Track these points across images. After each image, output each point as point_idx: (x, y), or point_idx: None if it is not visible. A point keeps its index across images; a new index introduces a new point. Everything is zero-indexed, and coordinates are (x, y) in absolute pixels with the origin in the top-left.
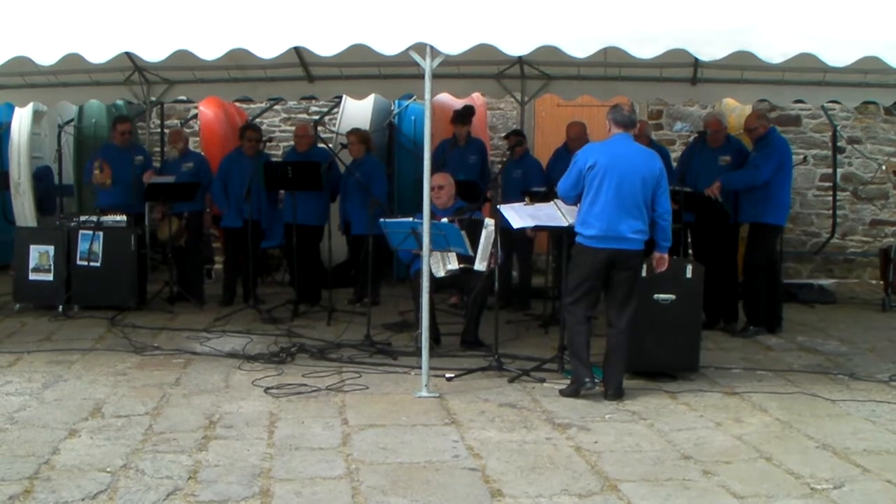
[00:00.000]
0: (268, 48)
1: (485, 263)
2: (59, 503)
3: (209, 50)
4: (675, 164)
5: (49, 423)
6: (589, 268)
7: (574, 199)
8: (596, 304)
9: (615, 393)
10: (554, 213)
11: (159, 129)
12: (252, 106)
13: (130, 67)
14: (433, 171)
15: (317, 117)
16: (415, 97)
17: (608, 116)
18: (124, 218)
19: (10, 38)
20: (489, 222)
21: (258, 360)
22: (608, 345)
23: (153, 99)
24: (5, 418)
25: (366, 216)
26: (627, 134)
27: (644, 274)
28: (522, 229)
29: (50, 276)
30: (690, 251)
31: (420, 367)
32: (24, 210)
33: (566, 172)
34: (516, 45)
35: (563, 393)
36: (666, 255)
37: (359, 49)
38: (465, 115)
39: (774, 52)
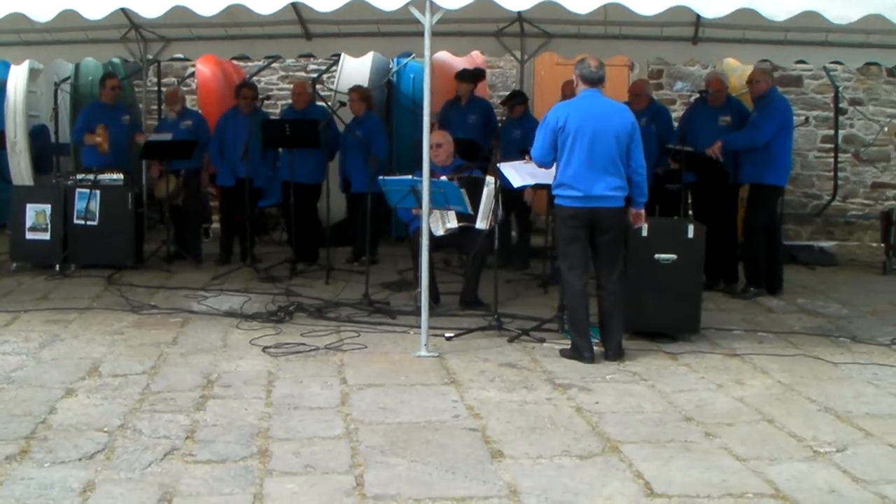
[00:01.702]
0: (266, 4)
1: (486, 222)
2: (55, 463)
3: (207, 6)
4: (675, 124)
5: (46, 382)
6: (572, 229)
7: (551, 163)
8: (588, 266)
9: (615, 353)
10: (553, 172)
11: (156, 88)
12: (249, 64)
13: (127, 25)
14: (435, 129)
15: (315, 75)
16: (414, 55)
17: (575, 72)
18: (121, 176)
19: None
20: (490, 180)
21: (256, 319)
22: (601, 307)
23: (150, 57)
24: (2, 378)
25: (366, 174)
26: (596, 90)
27: (645, 234)
28: (522, 188)
29: (47, 235)
30: (690, 211)
31: (419, 327)
32: (21, 169)
33: (536, 138)
34: (516, 0)
35: (563, 354)
36: (643, 212)
37: (357, 5)
38: (471, 74)
39: (778, 9)
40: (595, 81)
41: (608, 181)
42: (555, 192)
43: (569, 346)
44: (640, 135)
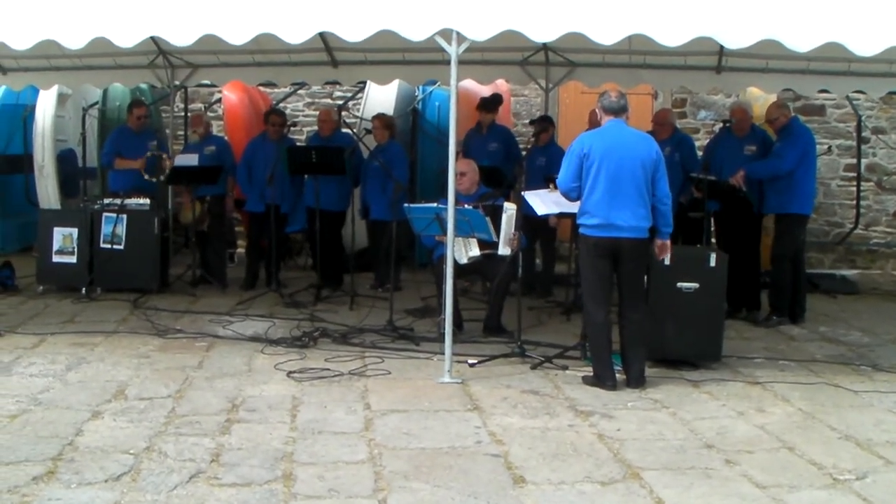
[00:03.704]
0: (295, 33)
1: (508, 249)
2: (82, 484)
3: (236, 35)
4: (699, 153)
5: (72, 404)
6: (594, 258)
7: (577, 191)
8: (610, 295)
9: (636, 381)
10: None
11: (183, 114)
12: (276, 90)
13: (155, 51)
14: (458, 157)
15: (341, 102)
16: (439, 83)
17: (597, 105)
18: (148, 201)
19: (38, 22)
20: (509, 206)
21: (281, 344)
22: (623, 335)
23: (177, 83)
24: (29, 399)
25: (385, 201)
26: (619, 119)
27: (668, 262)
28: (546, 216)
29: (73, 259)
30: (713, 240)
31: (443, 353)
32: (48, 192)
33: (562, 168)
34: (542, 31)
35: (585, 381)
36: (668, 242)
37: (384, 34)
38: (491, 102)
39: (802, 40)
40: (617, 111)
41: (632, 211)
42: (579, 220)
43: (591, 374)
44: (664, 164)
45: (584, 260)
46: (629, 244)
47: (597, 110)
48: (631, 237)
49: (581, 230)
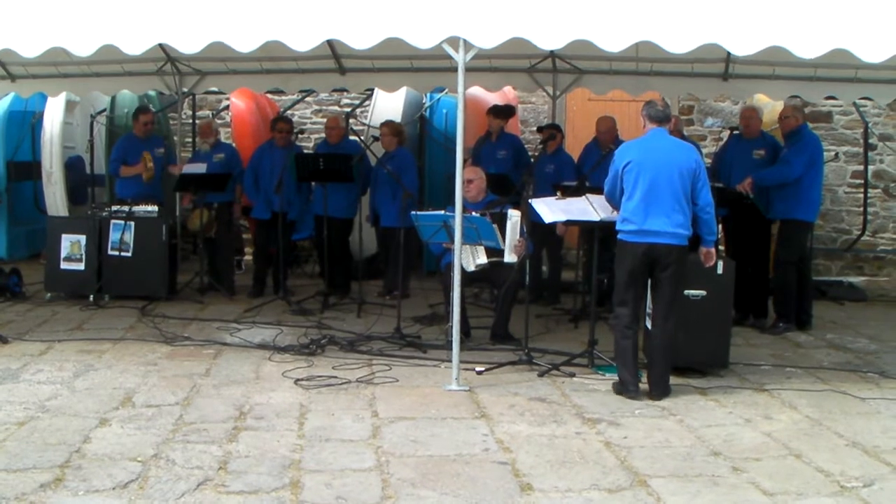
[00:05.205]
0: (302, 41)
1: (514, 256)
2: (89, 491)
3: (244, 42)
4: (706, 160)
5: (80, 411)
6: (630, 264)
7: (618, 200)
8: (639, 303)
9: (661, 393)
10: (585, 208)
11: (191, 120)
12: (284, 98)
13: (163, 58)
14: (465, 164)
15: (348, 109)
16: (446, 90)
17: (642, 113)
18: (156, 208)
19: (47, 29)
20: (513, 213)
21: (288, 351)
22: (651, 345)
23: (185, 90)
24: (37, 406)
25: (395, 208)
26: (662, 128)
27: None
28: (553, 224)
29: (81, 266)
30: (722, 247)
31: (450, 361)
32: (56, 199)
33: (608, 175)
34: (549, 39)
35: (614, 388)
36: (713, 250)
37: (392, 42)
38: (503, 111)
39: (808, 47)
40: (662, 120)
41: (668, 217)
42: (618, 226)
43: (619, 381)
44: (706, 173)
45: (618, 265)
46: (665, 250)
47: (642, 118)
48: (666, 243)
49: (619, 236)
